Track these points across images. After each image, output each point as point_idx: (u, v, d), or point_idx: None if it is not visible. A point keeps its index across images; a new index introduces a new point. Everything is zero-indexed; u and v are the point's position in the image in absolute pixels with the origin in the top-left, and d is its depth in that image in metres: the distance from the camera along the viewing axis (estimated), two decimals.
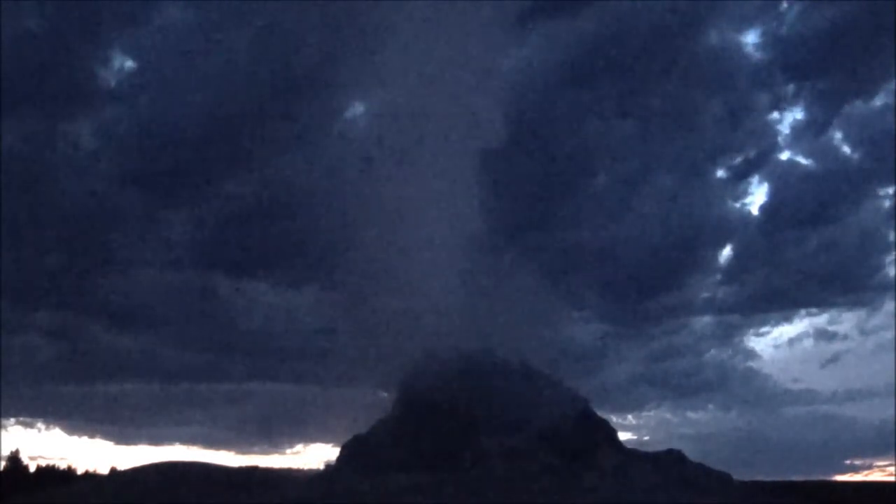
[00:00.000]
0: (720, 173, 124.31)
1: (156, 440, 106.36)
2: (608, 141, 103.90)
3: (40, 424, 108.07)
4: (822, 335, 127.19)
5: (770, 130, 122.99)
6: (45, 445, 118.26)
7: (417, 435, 51.74)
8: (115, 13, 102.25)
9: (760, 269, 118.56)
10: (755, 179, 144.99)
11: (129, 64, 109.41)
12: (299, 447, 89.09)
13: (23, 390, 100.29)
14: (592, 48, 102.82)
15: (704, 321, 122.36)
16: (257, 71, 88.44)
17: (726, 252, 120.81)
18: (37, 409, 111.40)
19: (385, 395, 60.38)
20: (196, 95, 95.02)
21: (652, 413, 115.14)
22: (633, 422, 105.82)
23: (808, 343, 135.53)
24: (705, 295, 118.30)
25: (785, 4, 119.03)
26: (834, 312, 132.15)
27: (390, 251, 59.52)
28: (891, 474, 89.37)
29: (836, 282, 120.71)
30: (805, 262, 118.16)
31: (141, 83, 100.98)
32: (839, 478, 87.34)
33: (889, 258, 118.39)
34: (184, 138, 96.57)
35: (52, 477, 63.41)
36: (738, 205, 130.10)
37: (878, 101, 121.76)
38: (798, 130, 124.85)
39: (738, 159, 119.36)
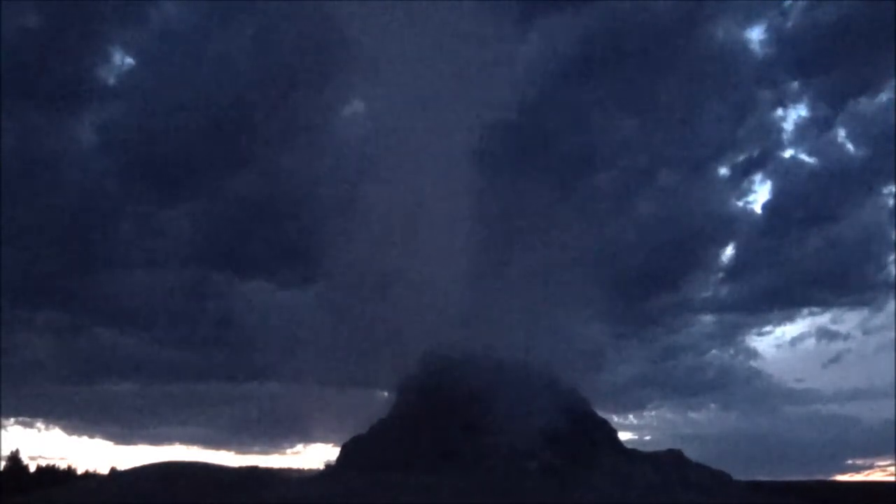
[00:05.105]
0: (723, 171, 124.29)
1: (156, 440, 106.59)
2: (611, 138, 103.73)
3: (40, 424, 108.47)
4: (824, 335, 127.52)
5: (773, 128, 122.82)
6: (45, 445, 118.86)
7: (417, 435, 51.69)
8: (115, 11, 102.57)
9: (763, 268, 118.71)
10: (758, 177, 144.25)
11: (129, 62, 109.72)
12: (299, 447, 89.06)
13: (23, 390, 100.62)
14: (595, 45, 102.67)
15: (706, 320, 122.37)
16: (257, 69, 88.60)
17: (728, 251, 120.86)
18: (37, 409, 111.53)
19: (385, 395, 60.45)
20: (195, 94, 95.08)
21: (653, 413, 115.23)
22: (634, 422, 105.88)
23: (811, 343, 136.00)
24: (707, 294, 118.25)
25: (789, 1, 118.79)
26: (836, 312, 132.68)
27: (391, 251, 59.54)
28: (891, 474, 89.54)
29: (839, 281, 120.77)
30: (808, 261, 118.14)
31: (140, 81, 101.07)
32: (840, 478, 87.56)
33: (892, 257, 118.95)
34: (183, 137, 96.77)
35: (52, 477, 63.49)
36: (740, 203, 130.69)
37: (883, 98, 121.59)
38: (802, 128, 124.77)
39: (742, 157, 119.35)
